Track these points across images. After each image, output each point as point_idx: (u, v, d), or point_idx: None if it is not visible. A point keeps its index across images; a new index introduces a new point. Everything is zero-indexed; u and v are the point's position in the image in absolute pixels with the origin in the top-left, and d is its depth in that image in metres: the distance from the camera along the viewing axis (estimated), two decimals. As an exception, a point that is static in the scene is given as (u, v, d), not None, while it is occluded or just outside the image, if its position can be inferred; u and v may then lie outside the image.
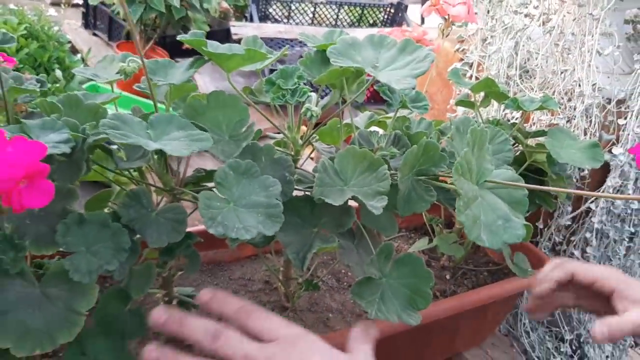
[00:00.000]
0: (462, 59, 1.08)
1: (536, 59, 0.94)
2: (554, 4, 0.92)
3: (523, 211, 0.55)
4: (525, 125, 0.94)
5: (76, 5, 2.74)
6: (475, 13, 1.03)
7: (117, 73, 0.52)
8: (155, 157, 0.48)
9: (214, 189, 0.46)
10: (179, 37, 0.50)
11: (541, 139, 0.81)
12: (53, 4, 2.76)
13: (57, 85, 1.34)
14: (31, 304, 0.41)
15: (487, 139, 0.52)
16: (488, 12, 1.03)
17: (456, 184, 0.46)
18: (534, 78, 0.93)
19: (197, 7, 1.99)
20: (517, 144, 0.85)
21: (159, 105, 0.47)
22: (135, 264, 0.49)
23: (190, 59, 0.52)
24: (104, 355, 0.48)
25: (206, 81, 1.93)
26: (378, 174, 0.51)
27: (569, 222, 0.92)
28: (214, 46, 0.48)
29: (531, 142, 0.86)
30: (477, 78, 1.03)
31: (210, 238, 0.75)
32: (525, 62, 0.93)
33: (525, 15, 0.93)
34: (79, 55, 1.65)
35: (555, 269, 0.65)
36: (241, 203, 0.46)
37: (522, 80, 0.93)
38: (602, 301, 0.63)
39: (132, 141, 0.40)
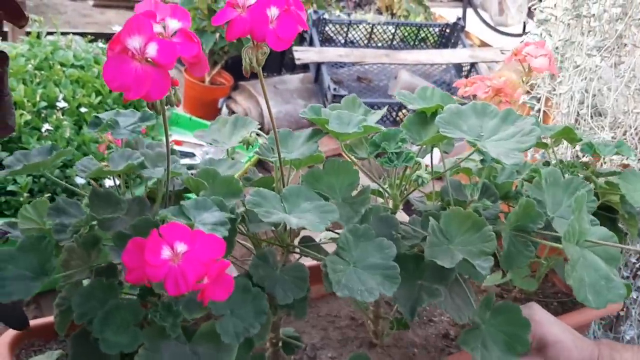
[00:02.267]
0: (528, 92, 1.09)
1: (607, 97, 0.93)
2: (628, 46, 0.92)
3: (616, 266, 0.57)
4: (596, 163, 0.94)
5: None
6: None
7: (240, 143, 0.57)
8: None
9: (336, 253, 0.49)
10: (300, 114, 0.54)
11: (611, 178, 0.82)
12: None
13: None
14: None
15: (585, 201, 0.54)
16: (557, 48, 1.04)
17: (565, 251, 0.49)
18: (605, 117, 0.94)
19: (264, 35, 2.05)
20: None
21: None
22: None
23: (309, 131, 0.56)
24: None
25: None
26: (483, 234, 0.54)
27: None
28: (335, 124, 0.53)
29: (601, 180, 0.87)
30: (545, 112, 1.03)
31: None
32: (596, 102, 0.93)
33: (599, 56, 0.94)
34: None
35: None
36: (361, 265, 0.50)
37: (593, 119, 0.94)
38: None
39: (276, 219, 0.44)
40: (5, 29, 2.17)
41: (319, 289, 0.84)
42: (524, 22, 3.19)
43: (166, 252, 0.38)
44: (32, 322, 0.58)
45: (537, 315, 0.71)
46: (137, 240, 0.39)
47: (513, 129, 0.54)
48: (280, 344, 0.65)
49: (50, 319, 0.65)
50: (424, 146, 0.62)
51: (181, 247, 0.39)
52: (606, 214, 0.83)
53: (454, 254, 0.53)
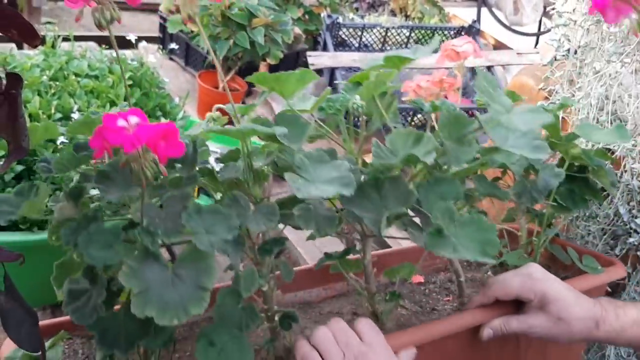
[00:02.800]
0: (547, 98, 1.06)
1: (628, 104, 0.92)
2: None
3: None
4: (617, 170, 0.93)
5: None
6: (564, 55, 1.04)
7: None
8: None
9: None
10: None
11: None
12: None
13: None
14: (166, 283, 0.49)
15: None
16: (575, 52, 1.00)
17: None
18: (625, 124, 0.92)
19: (278, 40, 2.03)
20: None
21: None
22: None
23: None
24: (229, 345, 0.56)
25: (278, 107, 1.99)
26: (424, 142, 0.61)
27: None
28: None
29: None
30: (564, 119, 1.01)
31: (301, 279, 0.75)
32: (616, 109, 0.91)
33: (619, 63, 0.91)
34: (176, 99, 1.71)
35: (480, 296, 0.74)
36: (319, 180, 0.56)
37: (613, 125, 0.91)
38: None
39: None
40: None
41: (320, 292, 0.89)
42: (540, 21, 3.14)
43: (121, 122, 0.46)
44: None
45: (538, 272, 0.73)
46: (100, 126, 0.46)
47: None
48: (276, 317, 0.67)
49: (58, 319, 0.71)
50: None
51: (134, 120, 0.46)
52: (579, 175, 0.87)
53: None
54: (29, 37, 0.48)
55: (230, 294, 0.59)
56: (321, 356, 0.59)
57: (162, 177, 0.53)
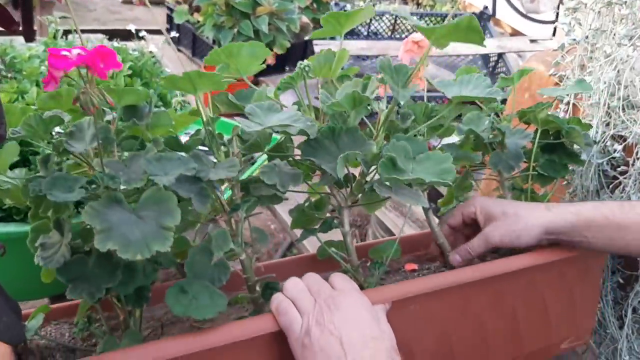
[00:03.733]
0: (557, 84, 1.07)
1: None
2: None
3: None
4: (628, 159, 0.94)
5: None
6: (574, 39, 1.06)
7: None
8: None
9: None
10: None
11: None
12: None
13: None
14: (129, 224, 0.54)
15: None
16: (587, 37, 1.02)
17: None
18: (638, 110, 0.93)
19: (283, 29, 2.08)
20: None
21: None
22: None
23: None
24: (201, 293, 0.60)
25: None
26: (369, 87, 0.71)
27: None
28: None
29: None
30: (574, 105, 1.02)
31: (290, 269, 0.80)
32: (628, 94, 0.92)
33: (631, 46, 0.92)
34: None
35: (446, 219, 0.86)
36: (269, 123, 0.63)
37: (625, 111, 0.92)
38: None
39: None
40: (35, 27, 2.24)
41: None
42: (557, 9, 3.12)
43: (64, 52, 0.53)
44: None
45: (479, 198, 0.84)
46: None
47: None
48: (257, 287, 0.71)
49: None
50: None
51: (77, 51, 0.54)
52: (556, 142, 0.91)
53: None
54: (6, 22, 0.52)
55: (202, 252, 0.64)
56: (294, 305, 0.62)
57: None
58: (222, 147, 0.68)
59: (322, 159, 0.66)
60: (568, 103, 1.03)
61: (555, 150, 0.92)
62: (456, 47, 2.51)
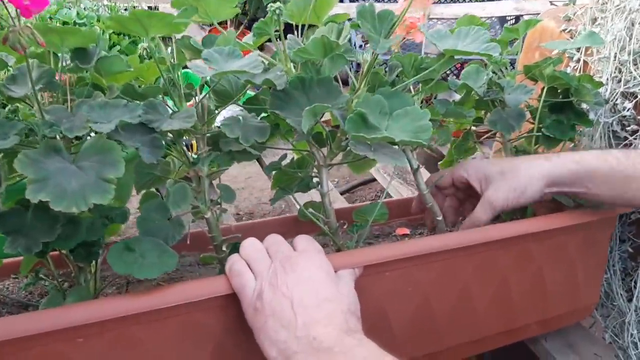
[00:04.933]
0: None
1: None
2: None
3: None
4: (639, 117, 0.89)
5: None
6: None
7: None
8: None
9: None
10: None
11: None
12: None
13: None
14: (67, 174, 0.51)
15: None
16: None
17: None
18: None
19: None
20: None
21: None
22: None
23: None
24: (150, 251, 0.57)
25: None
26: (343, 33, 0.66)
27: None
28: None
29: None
30: (585, 62, 0.96)
31: (273, 229, 0.78)
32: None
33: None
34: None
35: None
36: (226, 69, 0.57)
37: (637, 66, 0.86)
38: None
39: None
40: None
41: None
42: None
43: None
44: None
45: (471, 162, 0.80)
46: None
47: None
48: (224, 247, 0.69)
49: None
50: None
51: None
52: (564, 101, 0.86)
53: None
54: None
55: (158, 208, 0.62)
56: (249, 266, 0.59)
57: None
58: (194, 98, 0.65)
59: (290, 112, 0.62)
60: (578, 60, 0.97)
61: (562, 110, 0.87)
62: (471, 10, 2.42)
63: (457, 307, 0.74)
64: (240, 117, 0.64)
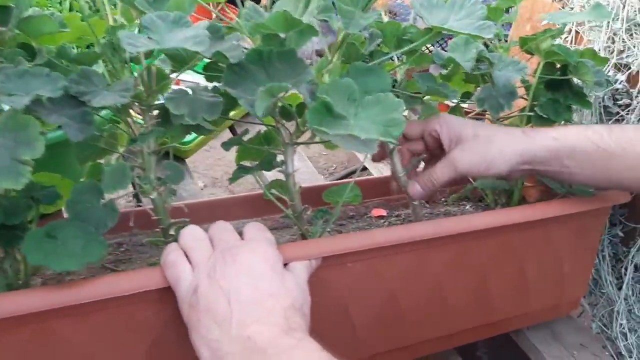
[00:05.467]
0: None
1: None
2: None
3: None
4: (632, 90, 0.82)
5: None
6: None
7: None
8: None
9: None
10: None
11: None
12: None
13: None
14: None
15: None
16: None
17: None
18: None
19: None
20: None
21: None
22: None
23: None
24: (74, 239, 0.52)
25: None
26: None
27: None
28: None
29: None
30: (577, 32, 0.89)
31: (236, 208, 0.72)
32: (635, 15, 0.78)
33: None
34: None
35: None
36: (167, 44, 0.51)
37: (631, 35, 0.79)
38: None
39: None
40: None
41: None
42: None
43: None
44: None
45: (447, 116, 0.72)
46: None
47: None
48: (171, 231, 0.65)
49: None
50: None
51: None
52: (561, 78, 0.79)
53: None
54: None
55: (90, 190, 0.56)
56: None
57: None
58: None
59: (245, 91, 0.55)
60: (570, 31, 0.90)
61: (559, 89, 0.80)
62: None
63: (427, 302, 0.69)
64: (190, 90, 0.58)
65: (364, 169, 1.64)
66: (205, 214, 0.75)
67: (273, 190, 0.73)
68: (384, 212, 0.88)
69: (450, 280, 0.70)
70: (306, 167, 1.27)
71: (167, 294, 0.53)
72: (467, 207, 0.89)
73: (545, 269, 0.77)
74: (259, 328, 0.47)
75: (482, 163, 0.67)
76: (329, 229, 0.84)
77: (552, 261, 0.77)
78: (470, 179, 0.89)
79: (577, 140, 0.67)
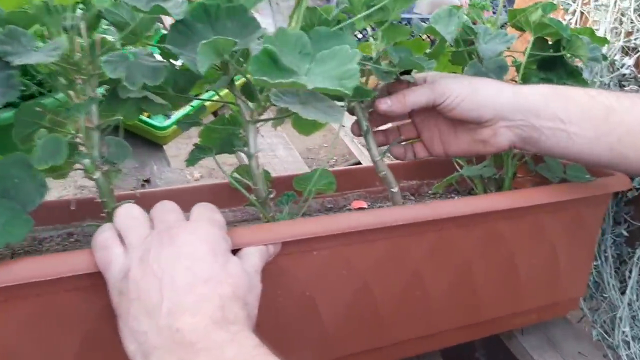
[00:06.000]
0: None
1: None
2: None
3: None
4: None
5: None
6: None
7: None
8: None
9: None
10: None
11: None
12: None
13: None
14: None
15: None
16: None
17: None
18: None
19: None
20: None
21: None
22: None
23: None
24: None
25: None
26: None
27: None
28: None
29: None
30: (582, 13, 0.84)
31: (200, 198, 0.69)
32: None
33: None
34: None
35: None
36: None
37: None
38: None
39: None
40: None
41: (227, 215, 0.78)
42: None
43: None
44: None
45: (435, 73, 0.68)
46: None
47: None
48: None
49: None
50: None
51: None
52: (554, 55, 0.73)
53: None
54: None
55: (18, 164, 0.50)
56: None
57: None
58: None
59: (192, 51, 0.51)
60: (574, 12, 0.84)
61: (552, 67, 0.75)
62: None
63: (405, 297, 0.63)
64: (131, 54, 0.53)
65: (358, 164, 1.58)
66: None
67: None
68: (364, 205, 0.82)
69: (430, 272, 0.64)
70: (292, 155, 1.22)
71: (99, 280, 0.47)
72: (455, 198, 0.84)
73: (537, 263, 0.71)
74: (190, 319, 0.41)
75: (466, 87, 0.61)
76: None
77: (546, 254, 0.71)
78: (457, 167, 0.83)
79: (572, 91, 0.62)
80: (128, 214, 0.49)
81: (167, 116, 1.18)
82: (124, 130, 0.61)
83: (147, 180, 1.05)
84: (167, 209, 0.50)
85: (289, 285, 0.56)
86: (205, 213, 0.50)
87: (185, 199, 0.71)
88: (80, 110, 0.51)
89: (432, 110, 0.64)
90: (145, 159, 1.11)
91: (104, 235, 0.48)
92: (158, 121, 1.15)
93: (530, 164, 0.80)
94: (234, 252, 0.50)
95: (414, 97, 0.62)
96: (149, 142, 1.15)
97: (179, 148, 1.43)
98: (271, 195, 0.63)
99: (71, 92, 0.56)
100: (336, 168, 0.84)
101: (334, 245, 0.57)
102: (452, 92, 0.61)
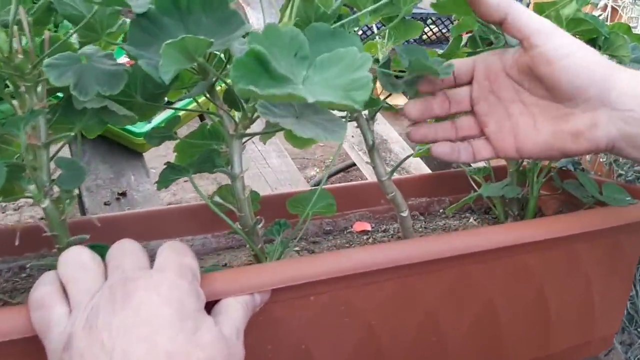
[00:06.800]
0: None
1: None
2: None
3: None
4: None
5: None
6: None
7: None
8: None
9: None
10: None
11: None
12: None
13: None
14: None
15: None
16: None
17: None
18: None
19: None
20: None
21: None
22: None
23: None
24: None
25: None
26: None
27: None
28: None
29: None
30: (613, 9, 0.76)
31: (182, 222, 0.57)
32: None
33: None
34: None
35: None
36: None
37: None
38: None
39: None
40: None
41: (209, 240, 0.69)
42: None
43: None
44: None
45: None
46: None
47: None
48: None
49: None
50: None
51: None
52: None
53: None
54: None
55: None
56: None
57: None
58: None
59: (155, 52, 0.41)
60: (605, 8, 0.76)
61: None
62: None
63: (418, 342, 0.54)
64: (85, 55, 0.43)
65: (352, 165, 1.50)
66: (136, 229, 0.61)
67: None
68: (368, 227, 0.73)
69: (447, 314, 0.54)
70: (286, 164, 1.12)
71: (37, 347, 0.38)
72: (471, 219, 0.75)
73: (569, 299, 0.62)
74: None
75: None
76: (297, 248, 0.70)
77: (579, 288, 0.62)
78: (473, 183, 0.74)
79: None
80: (75, 261, 0.40)
81: (148, 121, 1.08)
82: (99, 135, 0.52)
83: (123, 194, 0.95)
84: (125, 251, 0.41)
85: (281, 338, 0.47)
86: (173, 259, 0.40)
87: (157, 225, 0.63)
88: (19, 124, 0.42)
89: (503, 91, 0.53)
90: (122, 169, 1.01)
91: (43, 290, 0.38)
92: (137, 127, 1.05)
93: (556, 180, 0.71)
94: (211, 304, 0.41)
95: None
96: (127, 150, 1.05)
97: (160, 156, 1.34)
98: (259, 225, 0.54)
99: (15, 103, 0.47)
100: (336, 185, 0.75)
101: (335, 289, 0.48)
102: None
